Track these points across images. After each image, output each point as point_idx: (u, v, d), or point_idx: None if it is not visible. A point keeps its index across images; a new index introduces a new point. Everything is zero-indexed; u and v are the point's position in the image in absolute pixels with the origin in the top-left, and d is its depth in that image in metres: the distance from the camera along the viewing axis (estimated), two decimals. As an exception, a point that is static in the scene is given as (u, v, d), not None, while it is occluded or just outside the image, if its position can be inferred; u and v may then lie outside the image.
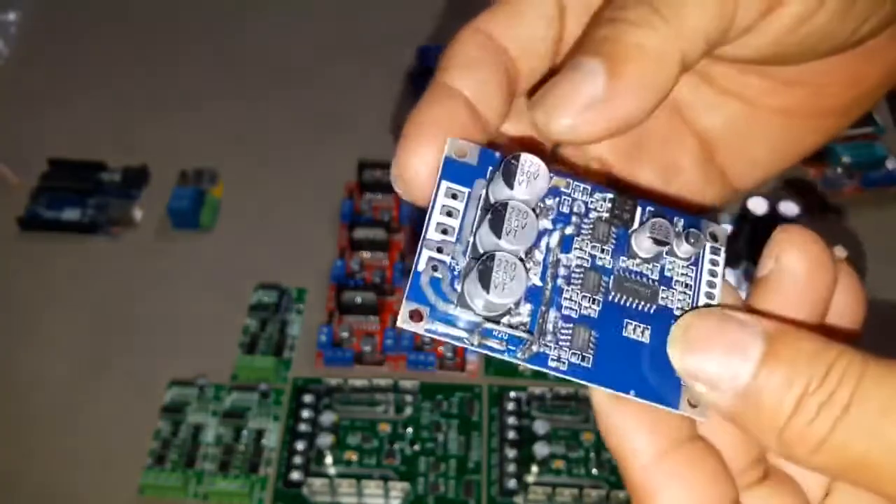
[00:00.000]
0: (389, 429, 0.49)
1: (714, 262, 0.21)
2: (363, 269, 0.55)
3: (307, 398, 0.49)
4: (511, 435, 0.48)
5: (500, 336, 0.19)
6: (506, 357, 0.19)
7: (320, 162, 0.62)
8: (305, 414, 0.49)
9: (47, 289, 0.55)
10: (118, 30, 0.70)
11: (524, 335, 0.19)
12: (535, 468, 0.47)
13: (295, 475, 0.47)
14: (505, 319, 0.19)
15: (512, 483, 0.46)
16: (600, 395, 0.19)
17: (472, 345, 0.19)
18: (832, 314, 0.21)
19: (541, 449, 0.47)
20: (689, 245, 0.20)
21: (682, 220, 0.20)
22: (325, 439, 0.47)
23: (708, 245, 0.21)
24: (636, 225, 0.20)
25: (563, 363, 0.19)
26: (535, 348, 0.19)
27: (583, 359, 0.19)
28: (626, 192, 0.21)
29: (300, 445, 0.48)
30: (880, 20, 0.22)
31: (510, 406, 0.49)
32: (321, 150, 0.62)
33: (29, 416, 0.50)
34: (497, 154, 0.20)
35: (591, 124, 0.19)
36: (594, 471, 0.47)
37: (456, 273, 0.19)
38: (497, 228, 0.19)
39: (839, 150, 0.60)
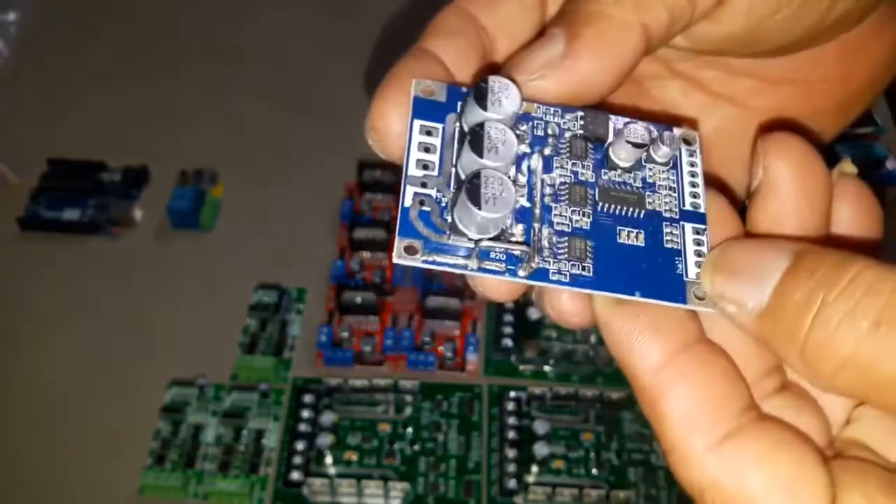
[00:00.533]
0: (389, 429, 0.49)
1: (692, 164, 0.21)
2: (363, 269, 0.55)
3: (307, 398, 0.49)
4: (511, 435, 0.48)
5: (498, 257, 0.19)
6: (507, 277, 0.19)
7: (320, 162, 0.62)
8: (305, 414, 0.49)
9: (47, 289, 0.55)
10: (118, 30, 0.70)
11: (522, 249, 0.19)
12: (535, 468, 0.47)
13: (295, 475, 0.47)
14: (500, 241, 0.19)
15: (512, 483, 0.46)
16: (603, 304, 0.19)
17: (473, 270, 0.19)
18: (845, 229, 0.21)
19: (541, 449, 0.47)
20: (666, 147, 0.20)
21: (654, 128, 0.21)
22: (325, 439, 0.47)
23: (684, 149, 0.21)
24: (611, 138, 0.21)
25: (565, 275, 0.19)
26: (534, 264, 0.19)
27: (583, 268, 0.19)
28: (596, 109, 0.21)
29: (300, 445, 0.48)
30: (857, 3, 0.21)
31: (510, 406, 0.49)
32: (321, 149, 0.62)
33: (28, 416, 0.50)
34: (464, 89, 0.20)
35: (548, 80, 0.20)
36: (594, 471, 0.47)
37: (443, 205, 0.19)
38: (478, 147, 0.19)
39: (839, 150, 0.60)
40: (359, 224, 0.56)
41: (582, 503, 0.46)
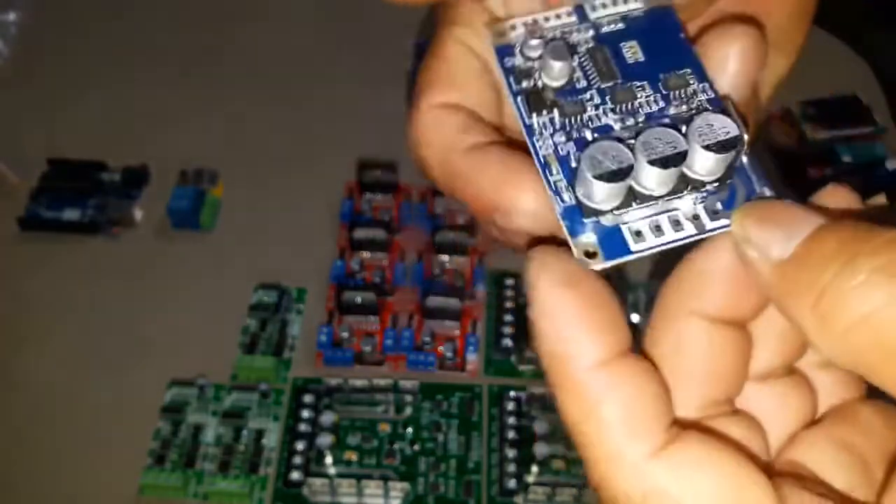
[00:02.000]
0: (389, 429, 0.49)
1: None
2: (363, 269, 0.55)
3: (307, 398, 0.49)
4: (511, 435, 0.48)
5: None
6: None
7: (320, 161, 0.62)
8: (305, 414, 0.49)
9: (47, 289, 0.55)
10: (118, 30, 0.70)
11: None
12: (535, 468, 0.47)
13: (295, 475, 0.47)
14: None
15: (512, 483, 0.46)
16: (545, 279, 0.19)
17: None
18: None
19: (541, 449, 0.47)
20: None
21: None
22: (325, 439, 0.47)
23: None
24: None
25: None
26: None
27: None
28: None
29: (300, 445, 0.48)
30: None
31: (510, 406, 0.49)
32: (321, 149, 0.62)
33: (28, 416, 0.50)
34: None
35: None
36: (594, 471, 0.47)
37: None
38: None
39: (839, 150, 0.60)
40: (359, 224, 0.56)
41: (582, 503, 0.46)
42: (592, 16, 0.22)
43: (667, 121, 0.20)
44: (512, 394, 0.50)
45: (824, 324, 0.16)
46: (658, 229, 0.19)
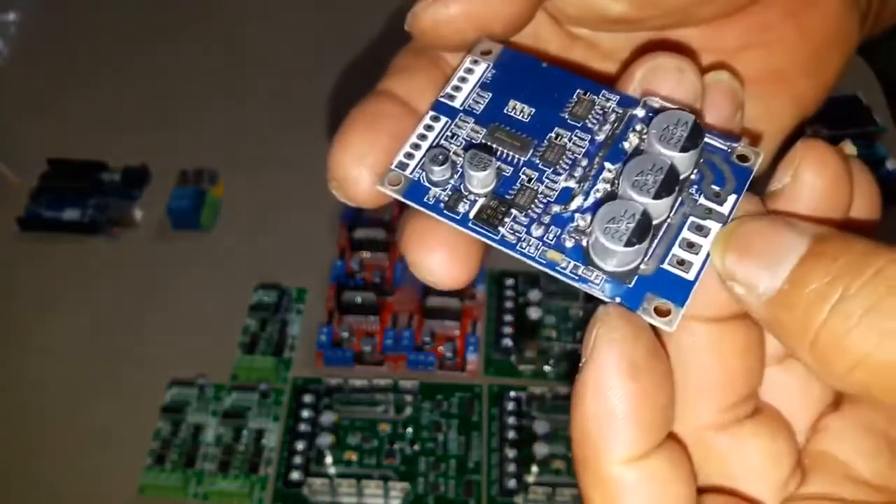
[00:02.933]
0: (389, 429, 0.49)
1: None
2: (363, 269, 0.55)
3: (307, 398, 0.49)
4: (511, 435, 0.48)
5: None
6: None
7: (320, 162, 0.61)
8: (305, 414, 0.49)
9: (47, 289, 0.55)
10: (118, 29, 0.70)
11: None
12: (535, 468, 0.47)
13: (295, 475, 0.47)
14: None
15: (512, 483, 0.46)
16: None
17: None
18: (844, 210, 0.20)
19: (541, 449, 0.47)
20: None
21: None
22: (325, 439, 0.47)
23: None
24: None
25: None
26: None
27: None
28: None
29: (300, 445, 0.48)
30: None
31: (510, 406, 0.49)
32: (321, 149, 0.62)
33: (29, 416, 0.50)
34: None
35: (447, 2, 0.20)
36: (594, 471, 0.47)
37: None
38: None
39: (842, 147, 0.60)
40: (359, 224, 0.56)
41: (582, 503, 0.46)
42: (458, 103, 0.21)
43: (626, 145, 0.20)
44: (512, 394, 0.50)
45: (824, 364, 0.16)
46: (690, 246, 0.18)
